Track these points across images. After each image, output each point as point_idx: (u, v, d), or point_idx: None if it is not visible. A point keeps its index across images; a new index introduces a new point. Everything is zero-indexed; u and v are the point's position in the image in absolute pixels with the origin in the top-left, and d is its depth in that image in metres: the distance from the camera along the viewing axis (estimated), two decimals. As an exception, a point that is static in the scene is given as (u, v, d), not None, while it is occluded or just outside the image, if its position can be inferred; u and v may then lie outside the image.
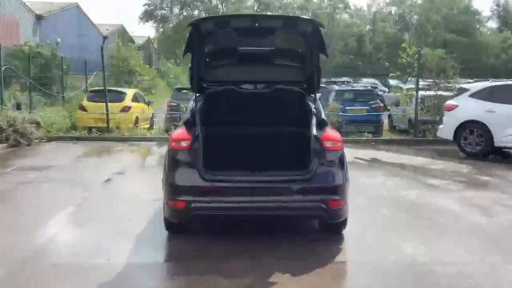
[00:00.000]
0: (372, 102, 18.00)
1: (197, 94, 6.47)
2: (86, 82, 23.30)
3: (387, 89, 34.62)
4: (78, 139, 16.61)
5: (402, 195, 8.77)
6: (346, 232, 6.33)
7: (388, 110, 21.18)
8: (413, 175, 10.78)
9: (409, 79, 32.91)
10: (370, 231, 6.63)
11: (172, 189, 5.79)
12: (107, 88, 18.98)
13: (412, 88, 21.61)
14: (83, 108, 18.05)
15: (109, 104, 17.51)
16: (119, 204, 8.02)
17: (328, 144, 5.83)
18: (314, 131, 5.89)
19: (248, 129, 6.75)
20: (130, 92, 19.20)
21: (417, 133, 17.03)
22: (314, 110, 6.17)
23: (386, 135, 17.98)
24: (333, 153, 5.85)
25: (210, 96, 6.35)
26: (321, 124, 6.09)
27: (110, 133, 17.08)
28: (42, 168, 11.16)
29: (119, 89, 20.61)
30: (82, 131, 17.30)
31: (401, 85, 29.19)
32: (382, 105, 19.79)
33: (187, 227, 6.21)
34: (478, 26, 69.47)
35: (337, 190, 5.79)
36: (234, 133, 6.77)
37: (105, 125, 17.37)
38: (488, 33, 70.74)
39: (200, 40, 6.26)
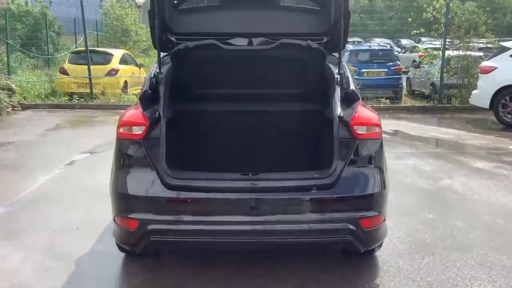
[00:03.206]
0: (391, 63, 15.75)
1: (162, 54, 4.38)
2: (76, 43, 21.43)
3: (400, 50, 32.23)
4: (57, 107, 14.68)
5: (445, 185, 6.75)
6: (378, 254, 4.40)
7: (405, 73, 18.91)
8: (450, 155, 8.74)
9: (423, 38, 31.08)
10: (418, 255, 4.63)
11: (119, 201, 3.82)
12: (91, 49, 16.96)
13: (435, 47, 19.51)
14: (64, 72, 16.04)
15: (93, 67, 15.50)
16: (71, 203, 6.06)
17: (360, 131, 3.81)
18: (338, 110, 3.85)
19: (239, 108, 4.67)
20: (117, 53, 17.03)
21: (442, 99, 14.93)
22: (339, 78, 4.10)
23: (406, 101, 15.85)
24: (368, 144, 3.84)
25: (180, 57, 4.14)
26: (350, 99, 4.05)
27: (93, 100, 15.09)
28: (-2, 145, 9.25)
29: (104, 49, 18.43)
30: (62, 98, 15.33)
31: (417, 45, 26.92)
32: (403, 67, 17.54)
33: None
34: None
35: (374, 202, 3.81)
36: (216, 114, 4.72)
37: (88, 90, 15.35)
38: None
39: None
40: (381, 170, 3.86)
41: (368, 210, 3.75)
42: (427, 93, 16.13)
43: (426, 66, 16.61)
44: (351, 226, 3.66)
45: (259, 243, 3.75)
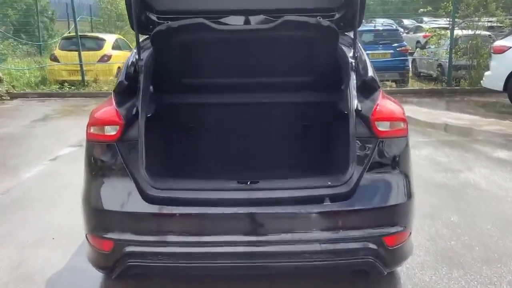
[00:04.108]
0: (397, 44, 14.96)
1: (140, 36, 3.69)
2: (69, 28, 20.70)
3: (402, 30, 31.34)
4: (47, 95, 14.02)
5: (466, 180, 6.10)
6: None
7: (411, 54, 18.11)
8: (467, 143, 8.07)
9: (425, 18, 30.09)
10: (445, 269, 4.00)
11: (90, 217, 3.17)
12: (82, 34, 16.23)
13: (439, 26, 18.71)
14: (55, 59, 15.32)
15: (85, 53, 14.83)
16: (51, 205, 5.42)
17: (382, 127, 3.14)
18: (355, 102, 3.18)
19: (234, 100, 3.99)
20: (110, 38, 16.25)
21: (450, 81, 14.25)
22: (354, 62, 3.42)
23: (413, 84, 15.13)
24: (391, 144, 3.18)
25: (162, 40, 3.42)
26: (368, 89, 3.38)
27: (85, 88, 14.40)
28: (-20, 139, 8.61)
29: (96, 34, 17.65)
30: (53, 86, 14.64)
31: (421, 25, 26.10)
32: (409, 48, 16.76)
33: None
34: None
35: (399, 214, 3.15)
36: (207, 108, 4.04)
37: (79, 78, 14.65)
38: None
39: None
40: (406, 175, 3.20)
41: (392, 224, 3.09)
42: (434, 75, 15.39)
43: (432, 47, 15.86)
44: (372, 245, 3.00)
45: (260, 267, 3.07)
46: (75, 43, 14.80)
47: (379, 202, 3.07)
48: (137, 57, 3.47)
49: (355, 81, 3.32)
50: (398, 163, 3.17)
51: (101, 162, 3.18)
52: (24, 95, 13.96)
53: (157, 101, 3.57)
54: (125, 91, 3.36)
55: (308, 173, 3.42)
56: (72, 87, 14.41)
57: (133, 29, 3.54)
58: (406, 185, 3.17)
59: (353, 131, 3.09)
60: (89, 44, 15.53)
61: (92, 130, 3.20)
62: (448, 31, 14.94)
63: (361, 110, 3.16)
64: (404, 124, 3.22)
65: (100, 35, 16.99)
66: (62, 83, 14.68)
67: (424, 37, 20.29)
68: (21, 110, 12.01)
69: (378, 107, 3.18)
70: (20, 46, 21.42)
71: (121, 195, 3.05)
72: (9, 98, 13.49)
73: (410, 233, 3.26)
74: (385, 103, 3.27)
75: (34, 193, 5.86)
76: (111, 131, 3.12)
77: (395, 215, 3.11)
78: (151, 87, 3.48)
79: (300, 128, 4.02)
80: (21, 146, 8.26)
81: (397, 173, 3.17)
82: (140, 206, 2.99)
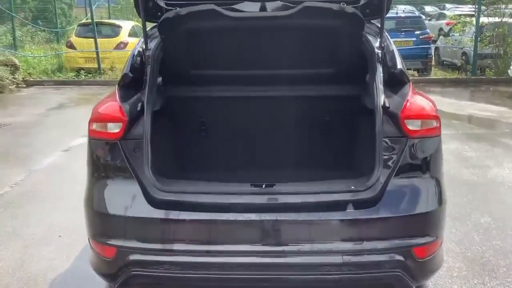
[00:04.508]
0: (420, 32, 14.47)
1: (148, 25, 3.41)
2: (87, 15, 20.53)
3: (424, 17, 30.62)
4: (63, 83, 13.90)
5: (496, 177, 5.78)
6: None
7: (434, 42, 17.57)
8: (496, 137, 7.70)
9: (447, 5, 29.29)
10: (477, 279, 3.70)
11: (92, 221, 2.93)
12: (98, 21, 16.05)
13: (463, 13, 18.12)
14: (71, 46, 15.18)
15: (101, 40, 14.63)
16: (59, 201, 5.22)
17: (413, 126, 2.83)
18: (382, 97, 2.88)
19: (248, 94, 3.68)
20: (127, 25, 16.00)
21: (475, 71, 13.78)
22: (380, 53, 3.11)
23: (436, 73, 14.67)
24: (423, 144, 2.87)
25: (170, 28, 3.13)
26: (397, 83, 3.07)
27: (101, 76, 14.22)
28: (-7, 127, 8.50)
29: (113, 21, 17.42)
30: (69, 74, 14.50)
31: (444, 11, 25.39)
32: (433, 35, 16.24)
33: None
34: None
35: (430, 223, 2.85)
36: (220, 103, 3.75)
37: (96, 65, 14.48)
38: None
39: None
40: (438, 180, 2.90)
41: (423, 234, 2.79)
42: (458, 64, 14.90)
43: (456, 34, 15.36)
44: (399, 257, 2.71)
45: (275, 280, 2.79)
46: (92, 29, 14.61)
47: (408, 209, 2.77)
48: (143, 47, 3.21)
49: (381, 74, 3.01)
50: (429, 166, 2.87)
51: (103, 162, 2.92)
52: (40, 83, 13.85)
53: (165, 95, 3.30)
54: (130, 84, 3.10)
55: (328, 175, 3.12)
56: (89, 75, 14.25)
57: (139, 16, 3.26)
58: (438, 190, 2.87)
59: (380, 129, 2.80)
60: (105, 31, 15.34)
61: (94, 127, 2.95)
62: (473, 19, 14.44)
63: (389, 107, 2.86)
64: (437, 122, 2.90)
65: (117, 22, 16.77)
66: (78, 70, 14.54)
67: (447, 24, 19.72)
68: (36, 98, 11.87)
69: (408, 103, 2.87)
70: (39, 32, 21.32)
71: (124, 198, 2.80)
72: (25, 86, 13.38)
73: (441, 242, 2.97)
74: (416, 99, 2.95)
75: (44, 187, 5.66)
76: (114, 128, 2.86)
77: (425, 224, 2.82)
78: (158, 80, 3.21)
79: (320, 125, 3.71)
80: (33, 136, 8.10)
81: (428, 177, 2.86)
82: (145, 210, 2.73)
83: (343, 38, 3.21)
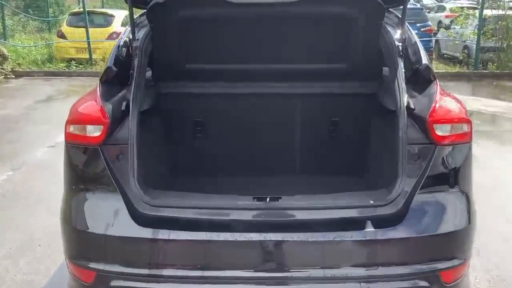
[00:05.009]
0: (421, 24, 14.08)
1: (136, 12, 3.02)
2: (79, 4, 20.03)
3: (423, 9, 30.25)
4: (53, 74, 13.43)
5: (508, 179, 5.37)
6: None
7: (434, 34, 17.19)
8: (505, 134, 7.32)
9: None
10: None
11: (68, 240, 2.54)
12: (90, 10, 15.53)
13: (462, 5, 17.81)
14: (62, 36, 14.70)
15: (93, 29, 14.17)
16: (41, 203, 4.82)
17: (442, 132, 2.47)
18: (405, 98, 2.49)
19: (250, 91, 3.28)
20: (119, 14, 15.48)
21: (477, 64, 13.42)
22: (401, 46, 2.73)
23: (437, 66, 14.29)
24: (452, 152, 2.50)
25: (162, 15, 2.77)
26: (422, 81, 2.70)
27: (93, 67, 13.76)
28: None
29: (105, 10, 16.92)
30: (60, 65, 14.03)
31: (442, 4, 25.01)
32: (435, 28, 15.87)
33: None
34: None
35: (459, 244, 2.49)
36: (217, 100, 3.34)
37: (87, 56, 14.02)
38: None
39: None
40: (468, 193, 2.53)
41: (451, 257, 2.43)
42: (460, 58, 14.54)
43: (458, 27, 14.99)
44: (423, 283, 2.35)
45: None
46: (83, 19, 14.13)
47: (436, 228, 2.40)
48: (130, 36, 2.81)
49: (402, 70, 2.63)
50: (459, 177, 2.50)
51: (82, 171, 2.54)
52: (29, 74, 13.40)
53: (155, 92, 2.92)
54: (114, 79, 2.73)
55: (341, 186, 2.74)
56: (80, 66, 13.80)
57: (125, 1, 2.85)
58: (468, 205, 2.50)
59: (404, 135, 2.42)
60: (97, 20, 14.89)
61: (71, 129, 2.55)
62: (476, 11, 14.08)
63: (414, 109, 2.48)
64: (468, 126, 2.53)
65: (110, 11, 16.26)
66: (69, 61, 14.08)
67: (446, 17, 19.40)
68: (25, 90, 11.45)
69: (437, 104, 2.50)
70: (30, 22, 20.79)
71: (105, 214, 2.42)
72: (14, 76, 12.94)
73: (469, 265, 2.60)
74: (446, 100, 2.58)
75: (26, 186, 5.27)
76: (94, 131, 2.48)
77: (454, 244, 2.45)
78: (147, 75, 2.82)
79: (331, 127, 3.33)
80: (19, 130, 7.70)
81: (458, 190, 2.50)
82: (129, 229, 2.35)
83: (359, 28, 2.82)
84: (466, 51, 14.30)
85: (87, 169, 2.52)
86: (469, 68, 13.61)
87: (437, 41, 16.43)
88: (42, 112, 9.07)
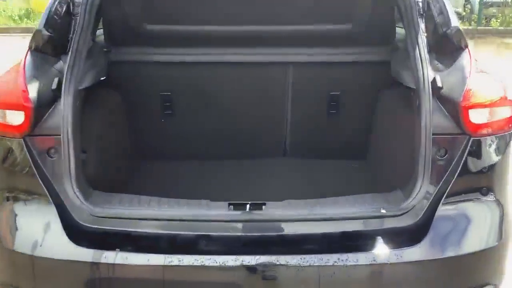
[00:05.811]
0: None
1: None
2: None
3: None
4: (32, 31, 12.59)
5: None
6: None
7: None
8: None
9: None
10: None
11: None
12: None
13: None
14: (41, -13, 13.79)
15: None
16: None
17: (478, 119, 1.87)
18: (428, 71, 1.86)
19: (230, 59, 2.59)
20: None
21: (480, 21, 12.79)
22: (422, 2, 2.14)
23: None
24: (490, 145, 1.89)
25: None
26: (450, 49, 2.08)
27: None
28: None
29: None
30: (39, 20, 13.21)
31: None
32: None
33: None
34: None
35: (490, 265, 1.92)
36: (187, 72, 2.63)
37: (69, 10, 13.23)
38: None
39: None
40: (503, 200, 1.95)
41: (481, 282, 1.86)
42: (462, 14, 13.87)
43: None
44: None
45: None
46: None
47: (467, 246, 1.82)
48: None
49: (425, 35, 2.01)
50: (494, 178, 1.91)
51: (3, 169, 1.93)
52: (6, 30, 12.68)
53: (104, 62, 2.27)
54: (46, 47, 2.09)
55: (342, 186, 2.15)
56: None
57: None
58: (502, 217, 1.92)
59: (428, 122, 1.81)
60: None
61: (-16, 117, 1.92)
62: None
63: (441, 87, 1.87)
64: (510, 110, 1.92)
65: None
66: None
67: (448, -32, 18.58)
68: (-1, 49, 10.71)
69: (471, 83, 1.88)
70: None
71: (33, 227, 1.83)
72: (-12, 34, 12.19)
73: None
74: (480, 77, 1.96)
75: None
76: (14, 119, 1.86)
77: (487, 266, 1.88)
78: (91, 39, 2.18)
79: (330, 106, 2.69)
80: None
81: (492, 196, 1.90)
82: (61, 249, 1.77)
83: None
84: (468, 6, 13.67)
85: (9, 167, 1.91)
86: (471, 25, 12.98)
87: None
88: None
